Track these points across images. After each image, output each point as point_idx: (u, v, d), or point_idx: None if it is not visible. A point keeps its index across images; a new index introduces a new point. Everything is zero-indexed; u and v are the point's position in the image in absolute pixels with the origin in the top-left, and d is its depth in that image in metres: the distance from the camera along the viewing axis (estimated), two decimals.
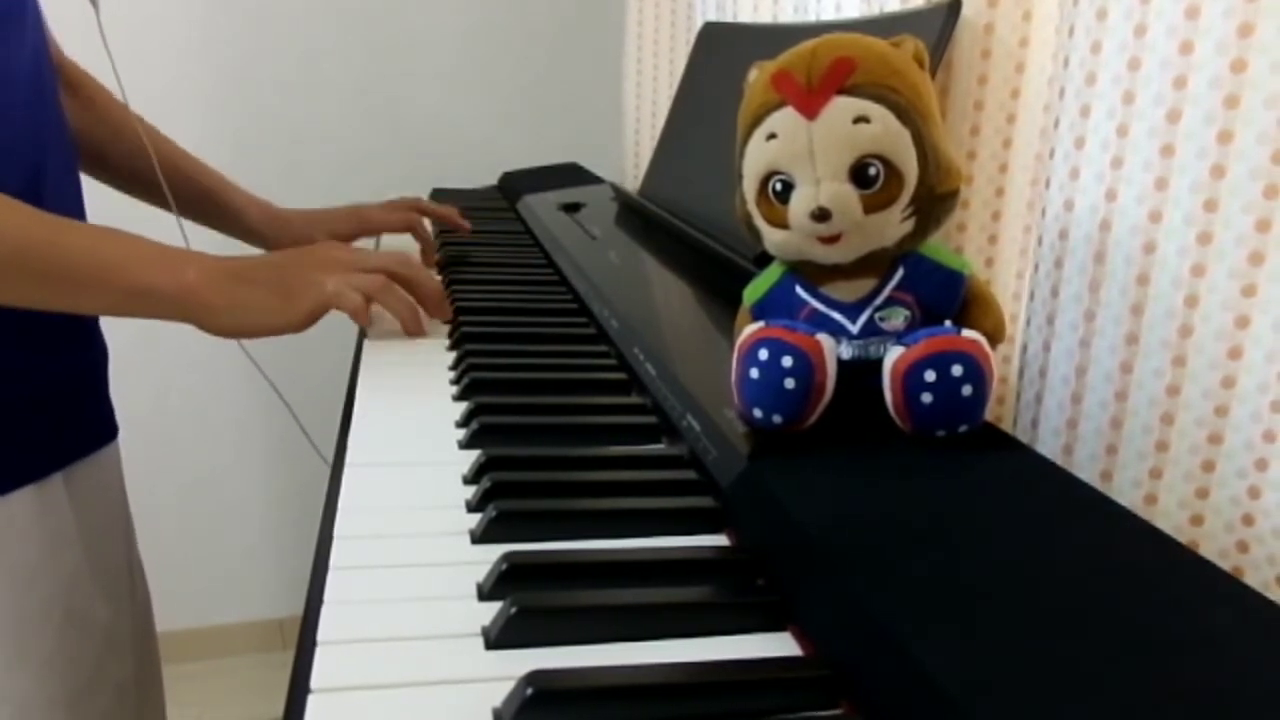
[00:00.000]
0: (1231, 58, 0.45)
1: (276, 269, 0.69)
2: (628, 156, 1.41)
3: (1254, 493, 0.47)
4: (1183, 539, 0.49)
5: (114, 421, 0.80)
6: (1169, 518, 0.49)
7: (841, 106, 0.45)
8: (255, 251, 0.89)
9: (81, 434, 0.75)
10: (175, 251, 0.65)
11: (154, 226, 0.76)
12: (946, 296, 0.49)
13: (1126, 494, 0.51)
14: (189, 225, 0.92)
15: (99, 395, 0.78)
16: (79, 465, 0.73)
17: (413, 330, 0.74)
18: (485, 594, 0.41)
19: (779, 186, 0.47)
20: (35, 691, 0.68)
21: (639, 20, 1.34)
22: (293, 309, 0.67)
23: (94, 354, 0.78)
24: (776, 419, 0.47)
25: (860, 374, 0.48)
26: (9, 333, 0.66)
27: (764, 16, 1.02)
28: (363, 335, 0.78)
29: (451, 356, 0.72)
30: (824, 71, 0.45)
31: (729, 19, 1.08)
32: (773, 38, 0.87)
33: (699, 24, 1.11)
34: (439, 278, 0.84)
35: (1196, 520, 0.49)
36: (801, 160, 0.46)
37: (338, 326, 0.73)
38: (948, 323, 0.46)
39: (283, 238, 0.96)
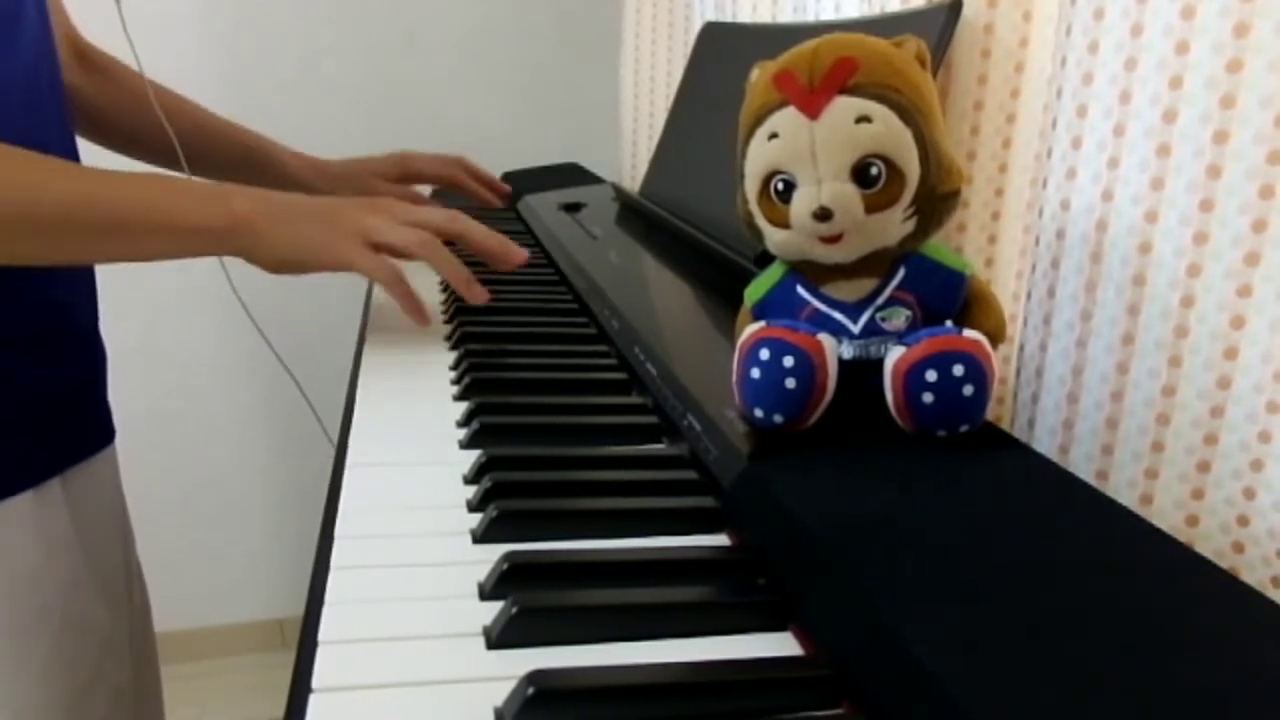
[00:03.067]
0: (1228, 58, 0.45)
1: (327, 204, 0.70)
2: (625, 157, 1.41)
3: (1249, 494, 0.47)
4: (1178, 540, 0.49)
5: (111, 425, 0.80)
6: (1164, 519, 0.49)
7: (843, 106, 0.45)
8: None
9: (79, 439, 0.75)
10: (218, 186, 0.66)
11: None
12: (948, 296, 0.49)
13: (1122, 495, 0.51)
14: None
15: (97, 399, 0.78)
16: (76, 470, 0.73)
17: (464, 290, 0.72)
18: (486, 594, 0.41)
19: (781, 186, 0.47)
20: (33, 696, 0.67)
21: (636, 20, 1.34)
22: (340, 242, 0.68)
23: (92, 358, 0.77)
24: (777, 419, 0.47)
25: (861, 374, 0.48)
26: (6, 336, 0.66)
27: (763, 16, 1.02)
28: (364, 334, 0.78)
29: (452, 356, 0.72)
30: (826, 71, 0.45)
31: (728, 19, 1.08)
32: (774, 38, 0.87)
33: (697, 24, 1.11)
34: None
35: (1192, 521, 0.49)
36: (803, 160, 0.46)
37: (349, 316, 0.73)
38: (949, 323, 0.46)
39: (327, 186, 0.98)
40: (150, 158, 0.91)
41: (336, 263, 0.68)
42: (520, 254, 0.75)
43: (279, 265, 0.67)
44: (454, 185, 1.04)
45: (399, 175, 1.02)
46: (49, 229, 0.59)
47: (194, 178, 0.65)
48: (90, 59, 0.87)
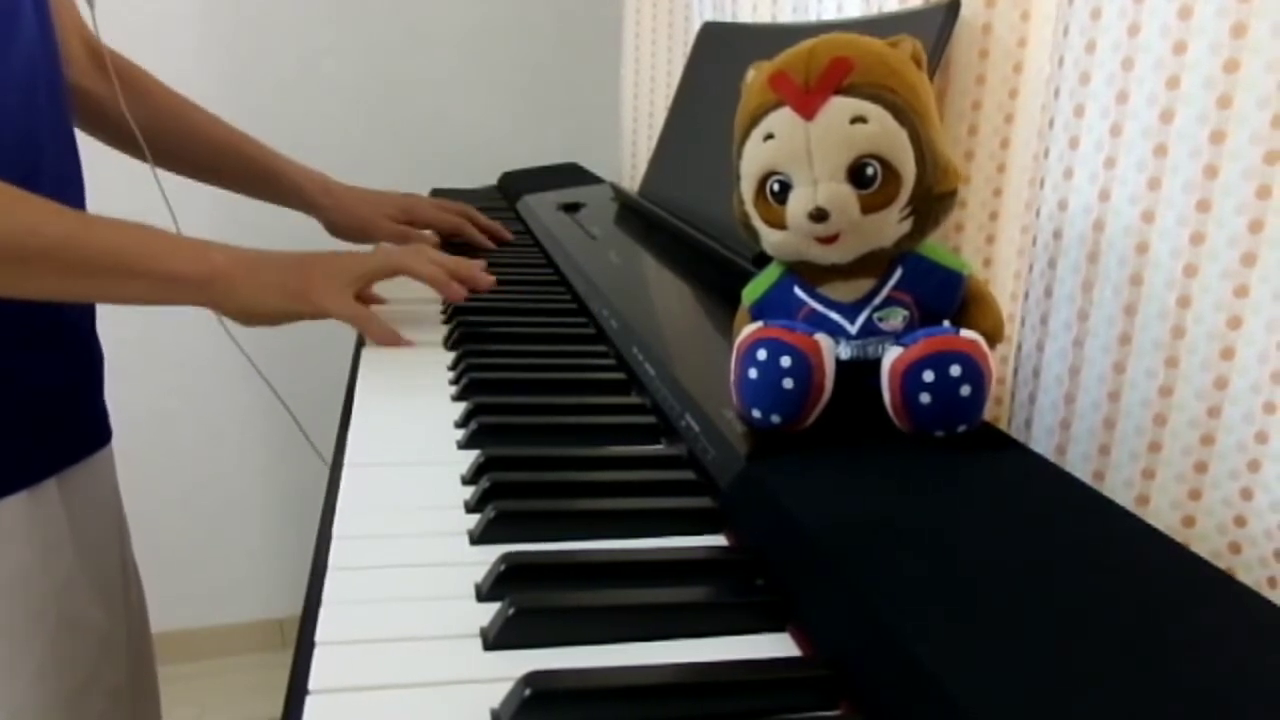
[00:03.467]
0: (1224, 58, 0.45)
1: (298, 256, 0.73)
2: (624, 157, 1.41)
3: (1246, 494, 0.47)
4: (1175, 540, 0.49)
5: (108, 426, 0.80)
6: (1161, 519, 0.50)
7: (839, 107, 0.45)
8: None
9: (75, 439, 0.75)
10: (199, 241, 0.69)
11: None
12: (945, 296, 0.49)
13: (1119, 495, 0.51)
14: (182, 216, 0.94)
15: (93, 400, 0.78)
16: (73, 470, 0.73)
17: (445, 291, 0.76)
18: (484, 594, 0.41)
19: (777, 187, 0.47)
20: (30, 696, 0.68)
21: (636, 20, 1.34)
22: (313, 290, 0.71)
23: (88, 359, 0.78)
24: (775, 419, 0.47)
25: (859, 374, 0.48)
26: (2, 337, 0.66)
27: (763, 16, 1.02)
28: (363, 334, 0.78)
29: (451, 356, 0.72)
30: (821, 72, 0.45)
31: (728, 19, 1.08)
32: (772, 38, 0.87)
33: (696, 24, 1.11)
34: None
35: (1189, 521, 0.49)
36: (799, 160, 0.46)
37: (337, 328, 0.74)
38: (946, 323, 0.47)
39: (335, 211, 1.01)
40: (184, 170, 0.93)
41: (312, 309, 0.71)
42: (484, 279, 0.79)
43: (250, 318, 0.70)
44: (457, 234, 1.05)
45: (402, 219, 1.04)
46: (35, 266, 0.62)
47: (178, 234, 0.69)
48: (128, 78, 0.88)
